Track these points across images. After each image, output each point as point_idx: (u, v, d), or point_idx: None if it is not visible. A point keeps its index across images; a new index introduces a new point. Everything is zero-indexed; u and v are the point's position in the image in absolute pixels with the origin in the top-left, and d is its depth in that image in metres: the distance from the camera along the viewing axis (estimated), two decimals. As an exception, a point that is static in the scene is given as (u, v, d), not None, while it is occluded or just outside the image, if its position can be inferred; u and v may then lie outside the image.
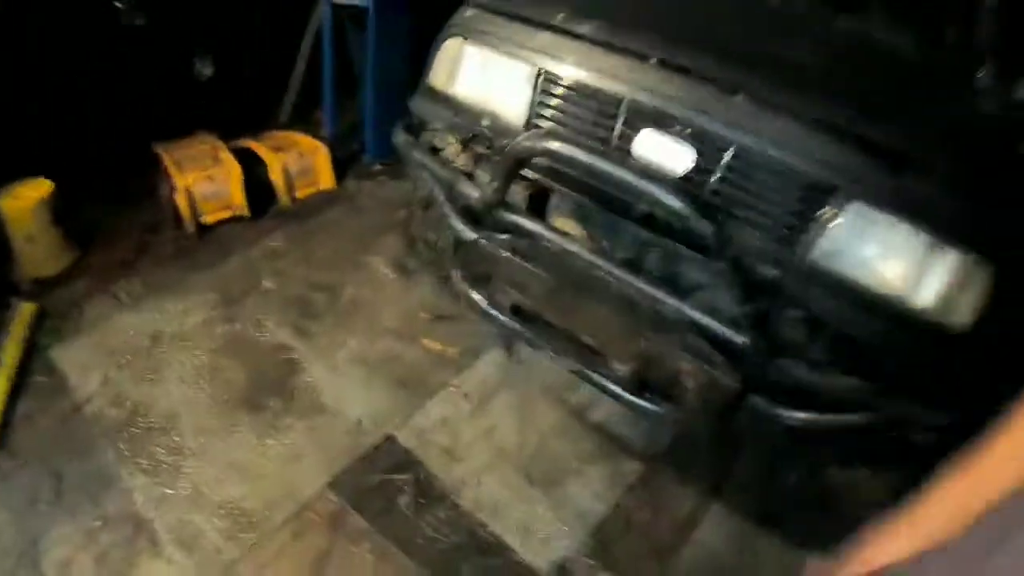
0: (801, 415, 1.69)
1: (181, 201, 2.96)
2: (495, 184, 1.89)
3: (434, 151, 2.18)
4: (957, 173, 1.54)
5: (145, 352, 2.58)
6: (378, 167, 3.67)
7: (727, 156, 1.63)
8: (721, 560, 2.11)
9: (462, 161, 2.12)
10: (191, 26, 3.50)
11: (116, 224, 3.15)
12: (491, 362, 2.65)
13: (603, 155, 1.71)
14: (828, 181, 1.55)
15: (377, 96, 3.47)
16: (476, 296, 2.03)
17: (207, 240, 3.12)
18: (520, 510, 2.18)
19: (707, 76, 1.69)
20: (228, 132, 3.49)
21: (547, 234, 1.89)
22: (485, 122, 1.99)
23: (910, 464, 1.58)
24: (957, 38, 2.18)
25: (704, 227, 1.59)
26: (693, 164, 1.66)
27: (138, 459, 2.21)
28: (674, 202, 1.59)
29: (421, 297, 2.91)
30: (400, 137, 2.24)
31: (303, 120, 3.89)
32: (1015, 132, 1.75)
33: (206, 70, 3.63)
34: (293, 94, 3.84)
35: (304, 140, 3.48)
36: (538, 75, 1.88)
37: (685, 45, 1.82)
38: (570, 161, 1.72)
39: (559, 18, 1.91)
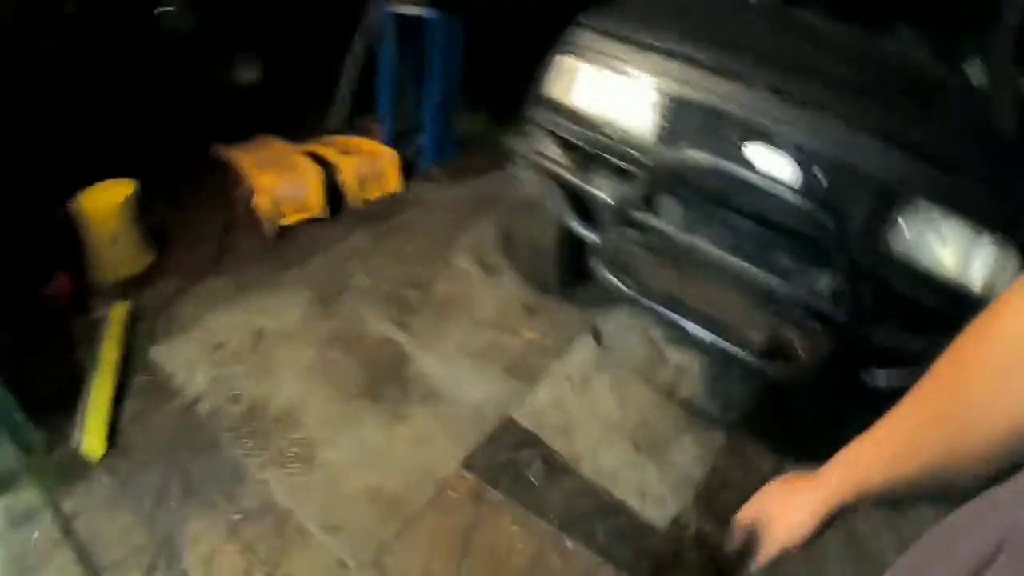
0: (884, 371, 2.02)
1: (262, 202, 3.05)
2: (639, 189, 2.11)
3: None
4: (994, 179, 1.90)
5: (250, 348, 2.66)
6: (436, 170, 3.83)
7: (824, 166, 1.91)
8: None
9: (567, 166, 2.34)
10: (236, 31, 3.60)
11: (189, 225, 3.21)
12: (583, 349, 2.86)
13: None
14: (898, 179, 1.88)
15: (437, 103, 3.64)
16: (623, 285, 2.22)
17: (287, 240, 3.22)
18: (633, 476, 2.39)
19: (804, 100, 1.98)
20: (281, 136, 3.60)
21: (678, 233, 2.12)
22: (612, 134, 2.21)
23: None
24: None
25: (827, 223, 1.87)
26: (797, 173, 1.94)
27: (266, 452, 2.29)
28: (805, 204, 1.88)
29: (509, 291, 3.09)
30: (535, 147, 2.42)
31: (351, 126, 4.02)
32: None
33: (250, 74, 3.72)
34: (344, 101, 3.95)
35: (371, 145, 3.62)
36: (662, 96, 2.11)
37: (782, 70, 2.10)
38: (719, 171, 1.96)
39: (672, 43, 2.15)
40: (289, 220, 3.20)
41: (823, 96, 2.00)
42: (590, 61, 2.26)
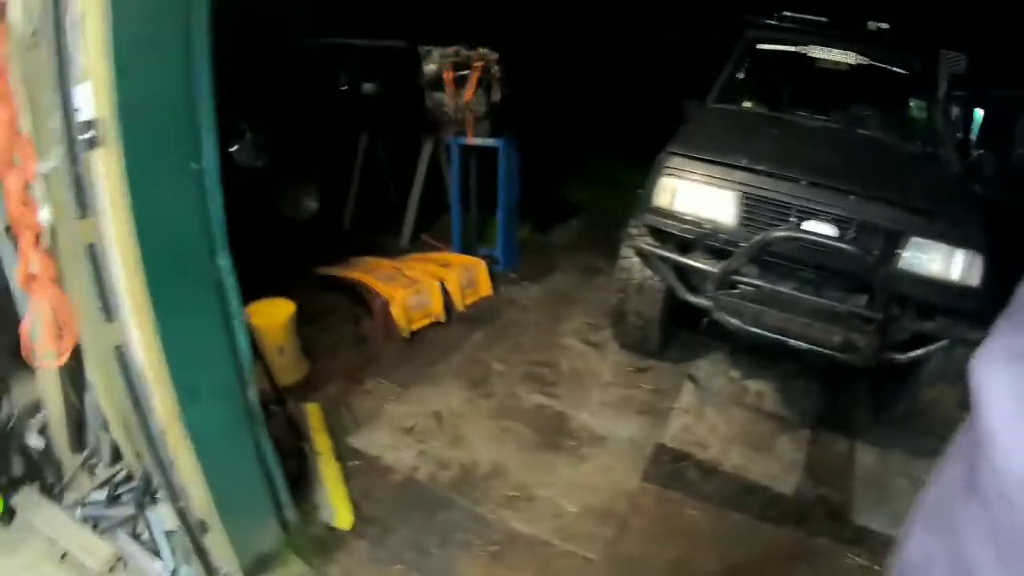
0: (910, 355, 3.25)
1: (397, 312, 3.83)
2: (740, 259, 3.24)
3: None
4: (954, 214, 3.23)
5: (436, 428, 3.36)
6: (511, 275, 4.78)
7: (853, 227, 3.17)
8: (875, 471, 3.51)
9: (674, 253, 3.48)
10: (301, 167, 4.39)
11: (324, 338, 3.84)
12: (687, 391, 3.91)
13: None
14: (901, 228, 3.15)
15: (507, 216, 4.65)
16: (744, 325, 3.30)
17: (419, 344, 3.97)
18: (757, 467, 3.39)
19: (833, 186, 3.25)
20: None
21: (770, 285, 3.27)
22: (708, 227, 3.35)
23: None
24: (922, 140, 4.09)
25: (863, 258, 3.08)
26: (838, 233, 3.17)
27: (491, 500, 2.98)
28: (848, 249, 3.09)
29: (617, 359, 4.12)
30: (641, 242, 3.52)
31: (415, 241, 4.92)
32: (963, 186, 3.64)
33: (312, 204, 4.53)
34: (411, 221, 4.86)
35: (460, 257, 4.50)
36: (741, 196, 3.31)
37: (814, 170, 3.34)
38: (803, 239, 3.14)
39: (744, 162, 3.37)
40: (416, 326, 3.98)
41: (843, 183, 3.25)
42: (685, 179, 3.41)
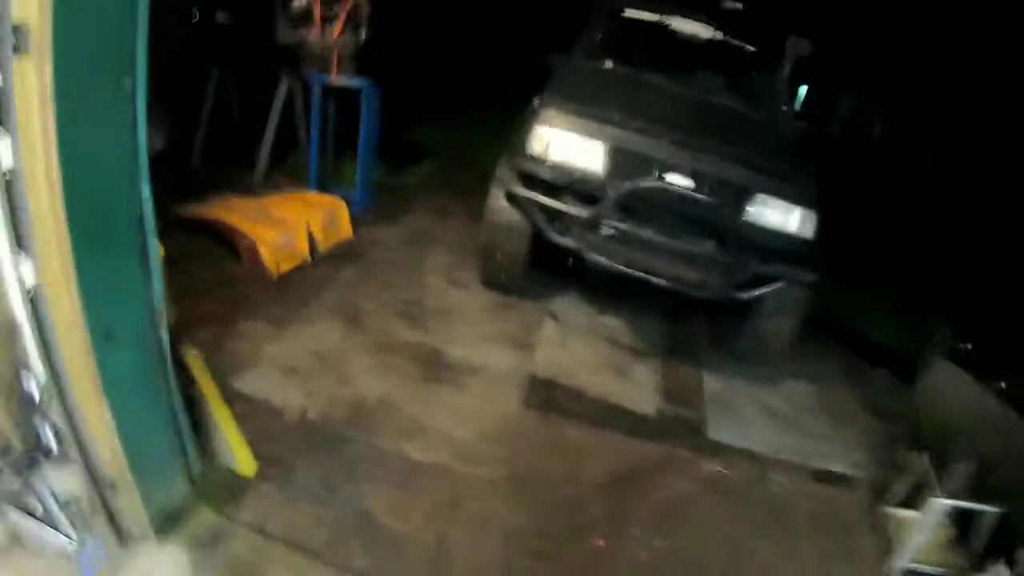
0: (753, 292, 3.92)
1: (266, 253, 3.84)
2: (606, 206, 3.71)
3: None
4: (794, 174, 3.93)
5: (319, 367, 3.47)
6: (370, 215, 4.85)
7: (708, 181, 3.73)
8: (722, 395, 4.21)
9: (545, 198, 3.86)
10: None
11: (190, 281, 3.72)
12: (550, 325, 4.37)
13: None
14: (748, 185, 3.78)
15: (366, 158, 4.71)
16: (611, 263, 3.79)
17: (289, 284, 3.98)
18: (621, 391, 3.97)
19: (691, 146, 3.80)
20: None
21: (635, 228, 3.77)
22: (577, 175, 3.77)
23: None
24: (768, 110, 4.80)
25: (715, 207, 3.70)
26: (696, 185, 3.72)
27: (387, 432, 3.20)
28: (705, 199, 3.69)
29: (482, 297, 4.44)
30: (513, 186, 3.85)
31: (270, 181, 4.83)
32: (814, 148, 4.28)
33: (159, 140, 4.31)
34: (265, 159, 4.75)
35: (322, 197, 4.47)
36: (611, 148, 3.76)
37: (674, 128, 3.86)
38: (666, 190, 3.66)
39: (616, 117, 3.81)
40: (285, 268, 4.00)
41: (701, 141, 3.82)
42: (559, 129, 3.79)
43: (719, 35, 5.07)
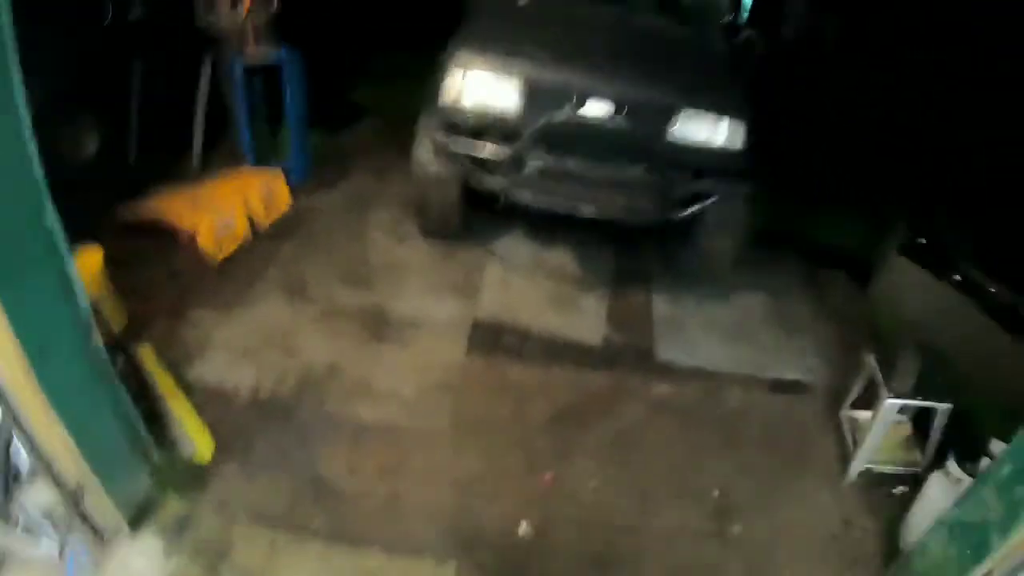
0: (688, 211, 3.95)
1: (205, 240, 3.95)
2: (524, 144, 3.73)
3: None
4: (720, 87, 3.90)
5: (267, 343, 3.63)
6: (308, 184, 4.96)
7: (628, 107, 3.71)
8: (671, 317, 4.34)
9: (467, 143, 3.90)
10: (73, 104, 4.20)
11: (137, 278, 3.86)
12: (493, 266, 4.50)
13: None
14: (671, 103, 3.77)
15: (297, 128, 4.79)
16: (538, 199, 3.87)
17: (233, 267, 4.12)
18: (568, 325, 4.14)
19: (607, 71, 3.79)
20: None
21: (557, 161, 3.81)
22: (495, 116, 3.77)
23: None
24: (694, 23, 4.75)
25: (639, 131, 3.70)
26: (617, 111, 3.71)
27: (334, 398, 3.39)
28: (626, 124, 3.68)
29: (424, 248, 4.57)
30: (434, 135, 3.89)
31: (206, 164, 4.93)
32: (739, 61, 4.24)
33: (91, 142, 4.36)
34: (199, 143, 4.84)
35: (257, 174, 4.57)
36: (524, 84, 3.73)
37: (591, 56, 3.86)
38: (580, 120, 3.66)
39: (526, 51, 3.79)
40: (227, 250, 4.13)
41: (618, 65, 3.81)
42: (473, 71, 3.77)
43: None
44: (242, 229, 4.22)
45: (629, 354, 3.99)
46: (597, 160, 3.86)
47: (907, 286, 4.64)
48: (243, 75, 4.51)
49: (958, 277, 4.44)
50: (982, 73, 5.98)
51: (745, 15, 7.83)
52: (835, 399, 3.77)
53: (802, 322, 4.59)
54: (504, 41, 3.91)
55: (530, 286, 4.38)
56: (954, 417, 3.21)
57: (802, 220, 5.69)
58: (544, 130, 3.69)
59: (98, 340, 2.44)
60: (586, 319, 4.18)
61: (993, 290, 4.29)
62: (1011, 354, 3.67)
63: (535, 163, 3.80)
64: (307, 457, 3.10)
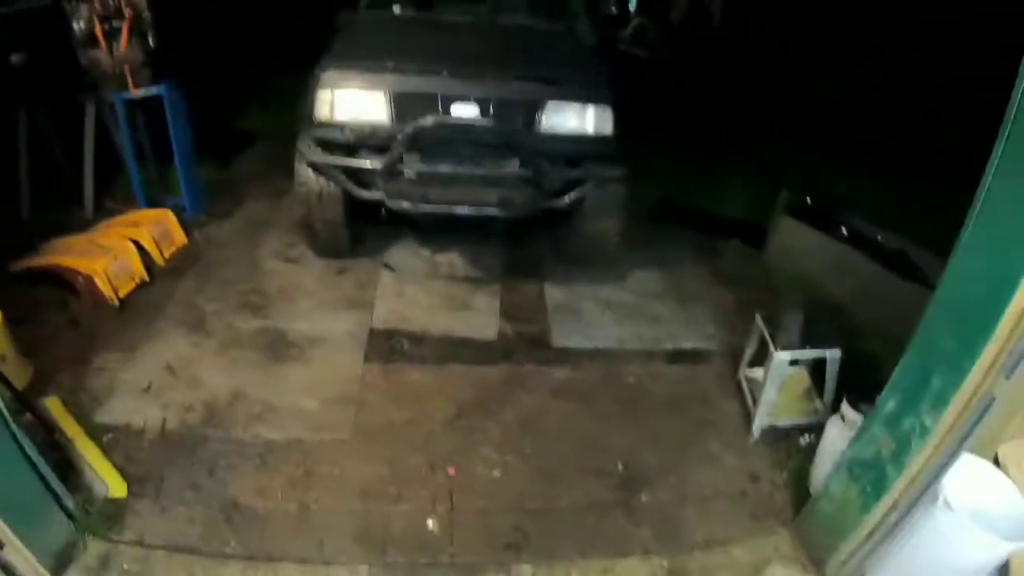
0: (566, 198, 4.19)
1: (102, 284, 4.07)
2: (396, 152, 3.90)
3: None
4: (584, 77, 4.17)
5: (171, 379, 3.77)
6: (203, 217, 5.10)
7: (493, 105, 3.94)
8: (565, 303, 4.60)
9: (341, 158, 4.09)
10: None
11: (38, 331, 3.99)
12: (386, 277, 4.71)
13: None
14: (536, 97, 4.01)
15: (186, 162, 4.90)
16: (413, 206, 4.05)
17: (132, 306, 4.25)
18: (462, 323, 4.39)
19: (471, 74, 4.00)
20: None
21: (428, 166, 4.02)
22: (367, 129, 3.97)
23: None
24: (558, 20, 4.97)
25: (506, 129, 3.91)
26: (483, 112, 3.93)
27: (240, 423, 3.54)
28: (492, 124, 3.91)
29: (317, 267, 4.77)
30: (311, 154, 4.06)
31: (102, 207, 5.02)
32: (600, 51, 4.52)
33: None
34: (90, 189, 4.93)
35: (148, 213, 4.68)
36: (390, 95, 3.94)
37: (456, 60, 4.06)
38: (445, 123, 3.85)
39: (390, 64, 3.98)
40: (123, 292, 4.24)
41: (482, 67, 4.02)
42: (341, 88, 3.97)
43: None
44: (138, 269, 4.34)
45: (524, 344, 4.23)
46: (472, 160, 4.09)
47: (798, 245, 4.92)
48: (125, 112, 4.59)
49: (844, 231, 4.72)
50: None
51: (634, 3, 8.23)
52: (735, 363, 3.99)
53: (697, 290, 4.88)
54: (368, 55, 4.11)
55: (423, 291, 4.61)
56: (854, 362, 3.42)
57: (697, 196, 5.95)
58: (413, 137, 3.87)
59: (1, 407, 2.56)
60: (480, 316, 4.43)
61: (880, 238, 4.59)
62: (902, 295, 3.92)
63: (409, 171, 4.01)
64: (217, 484, 3.24)
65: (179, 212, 4.98)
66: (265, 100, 6.95)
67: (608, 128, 4.12)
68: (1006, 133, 1.96)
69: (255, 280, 4.64)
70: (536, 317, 4.47)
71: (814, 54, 7.60)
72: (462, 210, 4.10)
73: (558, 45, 4.77)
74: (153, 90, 4.73)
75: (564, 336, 4.28)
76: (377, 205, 4.20)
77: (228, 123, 6.44)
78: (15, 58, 4.60)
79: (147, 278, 4.44)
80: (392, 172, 4.01)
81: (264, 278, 4.67)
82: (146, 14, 4.66)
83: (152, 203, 4.99)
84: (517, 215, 4.21)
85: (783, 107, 7.23)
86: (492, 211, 4.12)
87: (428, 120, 3.84)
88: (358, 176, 4.14)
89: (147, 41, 4.71)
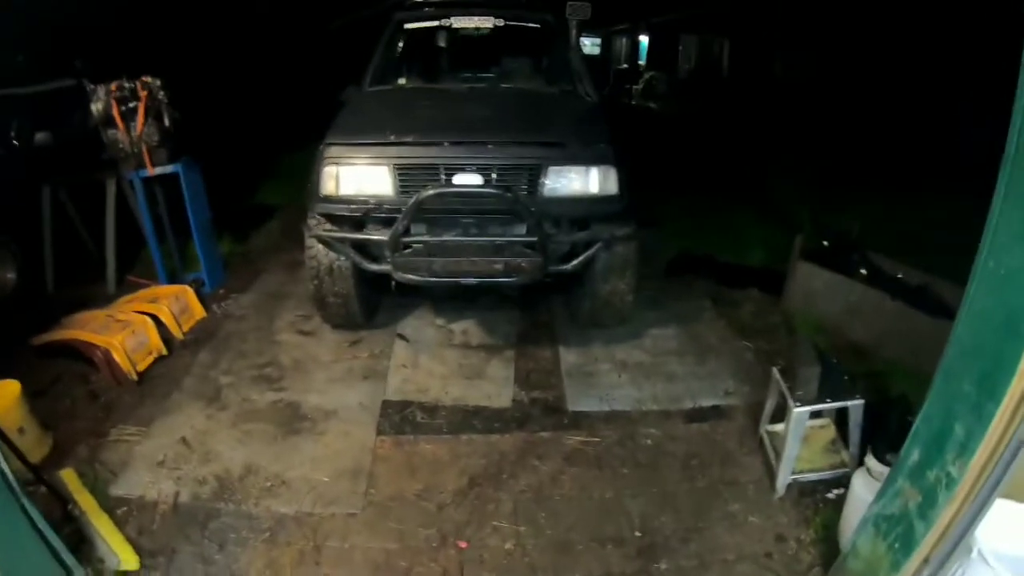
0: (574, 262, 4.32)
1: (120, 358, 4.31)
2: (401, 225, 4.08)
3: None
4: (586, 138, 4.32)
5: (186, 452, 3.91)
6: (221, 290, 5.34)
7: (495, 172, 4.13)
8: (580, 366, 4.68)
9: (350, 232, 4.29)
10: None
11: (60, 404, 4.19)
12: (400, 348, 4.84)
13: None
14: (537, 162, 4.17)
15: (202, 237, 5.17)
16: (419, 278, 4.18)
17: (150, 380, 4.45)
18: (476, 392, 4.47)
19: (473, 142, 4.18)
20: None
21: (434, 238, 4.19)
22: (372, 203, 4.16)
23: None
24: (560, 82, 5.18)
25: (509, 196, 4.05)
26: (486, 180, 4.11)
27: (253, 495, 3.66)
28: (495, 191, 4.06)
29: (331, 339, 4.94)
30: (319, 229, 4.26)
31: (123, 286, 5.29)
32: (594, 114, 4.69)
33: (10, 275, 4.77)
34: (112, 265, 5.22)
35: (168, 288, 4.94)
36: (394, 168, 4.14)
37: (457, 129, 4.27)
38: (447, 193, 4.04)
39: (392, 137, 4.19)
40: (142, 366, 4.47)
41: (482, 135, 4.20)
42: (345, 165, 4.18)
43: (500, 21, 5.42)
44: (155, 343, 4.56)
45: (538, 410, 4.31)
46: (478, 228, 4.24)
47: (817, 289, 4.94)
48: (143, 190, 4.87)
49: (864, 271, 4.75)
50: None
51: (644, 58, 8.54)
52: (756, 418, 3.99)
53: (716, 346, 4.93)
54: (370, 129, 4.32)
55: (437, 360, 4.74)
56: (883, 405, 3.39)
57: (711, 246, 6.02)
58: (418, 208, 4.03)
59: (9, 471, 2.72)
60: (494, 384, 4.53)
61: (900, 276, 4.61)
62: (928, 332, 3.87)
63: (415, 242, 4.17)
64: (227, 558, 3.32)
65: (199, 286, 5.22)
66: (280, 174, 7.27)
67: (613, 187, 4.23)
68: (1010, 158, 1.92)
69: (271, 353, 4.83)
70: (551, 382, 4.56)
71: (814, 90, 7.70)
72: (469, 280, 4.22)
73: (560, 107, 4.97)
74: (170, 168, 5.03)
75: (579, 400, 4.35)
76: (387, 277, 4.34)
77: (246, 197, 6.75)
78: (39, 137, 4.91)
79: (165, 352, 4.65)
80: (398, 244, 4.15)
81: (279, 351, 4.85)
82: (161, 95, 4.97)
83: (172, 278, 5.24)
84: (525, 282, 4.30)
85: (783, 149, 7.34)
86: (500, 279, 4.22)
87: (430, 191, 4.01)
88: (366, 249, 4.34)
89: (163, 121, 5.01)
